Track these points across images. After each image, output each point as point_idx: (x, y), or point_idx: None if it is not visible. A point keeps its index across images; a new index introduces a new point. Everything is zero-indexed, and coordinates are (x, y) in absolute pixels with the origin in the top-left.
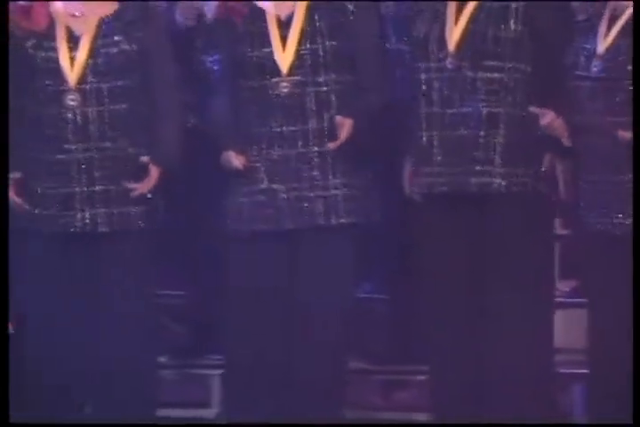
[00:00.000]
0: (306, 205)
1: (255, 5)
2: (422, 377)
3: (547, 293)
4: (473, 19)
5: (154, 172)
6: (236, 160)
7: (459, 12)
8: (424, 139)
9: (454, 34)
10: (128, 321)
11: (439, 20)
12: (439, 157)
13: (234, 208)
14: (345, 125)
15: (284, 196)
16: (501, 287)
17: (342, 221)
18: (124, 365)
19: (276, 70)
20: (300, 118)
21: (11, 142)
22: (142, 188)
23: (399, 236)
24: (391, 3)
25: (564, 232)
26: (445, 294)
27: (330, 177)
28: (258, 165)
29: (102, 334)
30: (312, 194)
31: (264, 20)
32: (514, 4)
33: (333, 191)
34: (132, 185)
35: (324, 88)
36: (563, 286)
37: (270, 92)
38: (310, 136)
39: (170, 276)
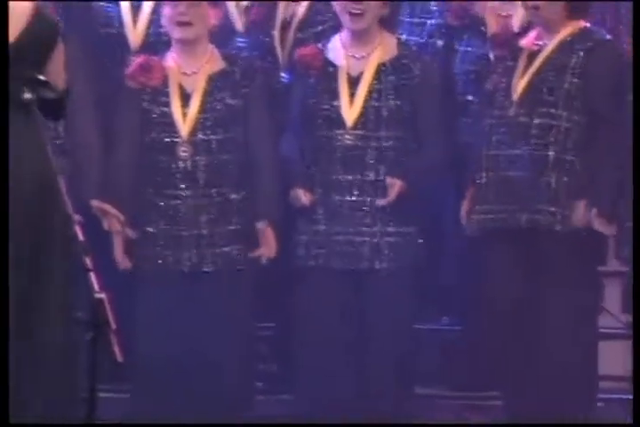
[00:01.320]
0: (354, 248)
1: (330, 62)
2: (495, 402)
3: (590, 323)
4: (538, 72)
5: (269, 234)
6: (303, 197)
7: (527, 66)
8: (483, 179)
9: (519, 85)
10: (229, 351)
11: (509, 74)
12: (494, 196)
13: (294, 245)
14: (395, 186)
15: (337, 238)
16: (553, 318)
17: (385, 265)
18: (226, 389)
19: (341, 123)
20: (358, 169)
21: (124, 187)
22: (268, 253)
23: (467, 272)
24: (458, 60)
25: (625, 269)
26: (507, 323)
27: (379, 225)
28: (317, 207)
29: (205, 363)
30: (361, 239)
31: (336, 76)
32: (574, 59)
33: (382, 238)
34: (257, 253)
35: (384, 143)
36: (624, 319)
37: (335, 142)
38: (366, 186)
39: (263, 309)
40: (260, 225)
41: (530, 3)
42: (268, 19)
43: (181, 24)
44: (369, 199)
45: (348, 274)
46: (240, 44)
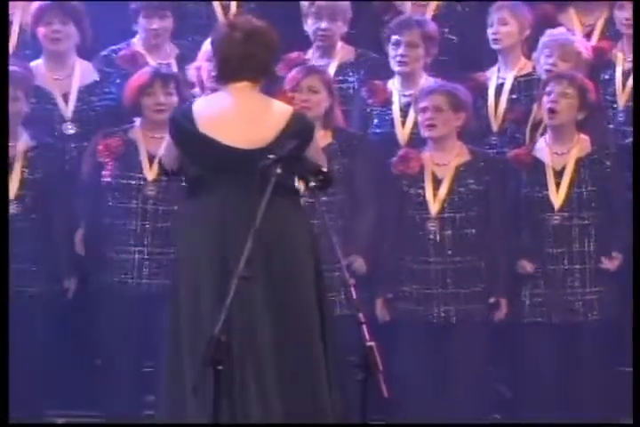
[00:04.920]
0: (569, 306)
1: (537, 159)
2: None
3: None
4: None
5: (503, 304)
6: (528, 267)
7: None
8: None
9: None
10: (468, 387)
11: None
12: None
13: (521, 305)
14: (618, 259)
15: (553, 298)
16: None
17: (596, 318)
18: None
19: (550, 207)
20: (565, 242)
21: (386, 254)
22: (499, 315)
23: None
24: None
25: None
26: None
27: (587, 286)
28: (537, 274)
29: (449, 401)
30: (574, 298)
31: (544, 170)
32: None
33: (589, 296)
34: (494, 313)
35: (586, 221)
36: None
37: (546, 222)
38: (574, 256)
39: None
40: (496, 298)
41: None
42: (523, 119)
43: (429, 126)
44: (577, 267)
45: (561, 327)
46: (491, 141)
